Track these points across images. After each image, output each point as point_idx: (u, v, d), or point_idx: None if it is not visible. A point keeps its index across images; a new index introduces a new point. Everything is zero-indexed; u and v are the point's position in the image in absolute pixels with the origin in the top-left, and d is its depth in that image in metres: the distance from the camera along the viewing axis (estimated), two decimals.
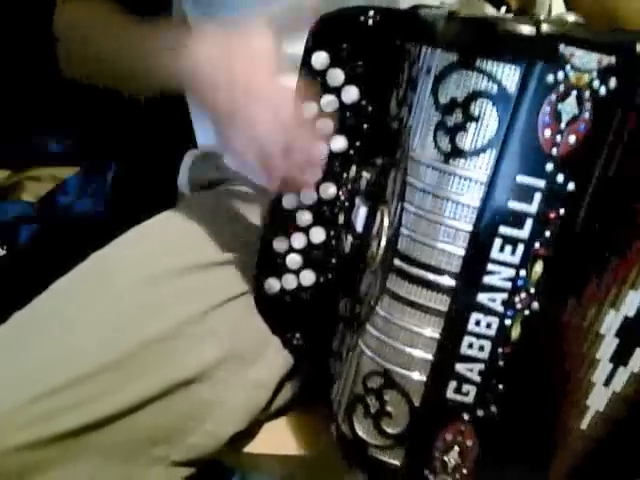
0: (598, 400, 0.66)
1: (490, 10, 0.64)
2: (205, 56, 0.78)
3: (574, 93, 0.58)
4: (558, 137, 0.59)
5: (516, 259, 0.61)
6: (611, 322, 0.63)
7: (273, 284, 0.84)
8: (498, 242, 0.61)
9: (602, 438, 0.67)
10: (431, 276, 0.63)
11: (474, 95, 0.59)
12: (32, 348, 0.75)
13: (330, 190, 0.81)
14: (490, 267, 0.62)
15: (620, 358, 0.64)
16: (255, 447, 0.87)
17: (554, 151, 0.59)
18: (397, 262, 0.65)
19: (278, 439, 0.88)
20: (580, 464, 0.68)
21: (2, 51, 1.58)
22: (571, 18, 0.62)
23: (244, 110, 0.74)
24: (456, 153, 0.60)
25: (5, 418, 0.69)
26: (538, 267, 0.62)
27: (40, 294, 0.81)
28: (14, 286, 1.28)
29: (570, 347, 0.65)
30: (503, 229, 0.61)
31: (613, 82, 0.58)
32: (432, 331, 0.64)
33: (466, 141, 0.60)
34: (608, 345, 0.64)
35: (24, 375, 0.73)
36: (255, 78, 0.74)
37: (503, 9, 0.69)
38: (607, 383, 0.65)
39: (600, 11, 0.88)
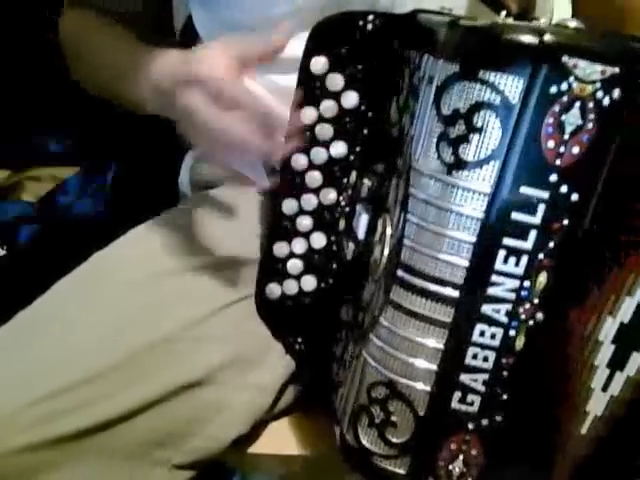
0: (597, 405, 0.66)
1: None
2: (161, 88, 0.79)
3: (578, 104, 0.57)
4: (562, 148, 0.58)
5: (520, 270, 0.61)
6: (608, 329, 0.64)
7: (274, 289, 0.84)
8: (502, 253, 0.61)
9: (601, 440, 0.67)
10: (435, 287, 0.63)
11: (477, 106, 0.59)
12: (33, 349, 0.75)
13: (330, 195, 0.81)
14: (494, 278, 0.62)
15: (617, 363, 0.65)
16: (256, 447, 0.87)
17: (558, 162, 0.59)
18: (400, 273, 0.65)
19: (279, 440, 0.88)
20: (581, 466, 0.68)
21: (2, 51, 1.57)
22: (572, 24, 0.61)
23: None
24: (459, 164, 0.60)
25: (6, 420, 0.69)
26: (542, 278, 0.61)
27: (40, 294, 0.81)
28: (14, 286, 1.27)
29: (571, 355, 0.65)
30: (507, 240, 0.60)
31: (617, 92, 0.57)
32: (436, 342, 0.64)
33: (469, 152, 0.59)
34: (605, 351, 0.64)
35: (25, 377, 0.73)
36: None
37: (503, 14, 0.68)
38: (605, 388, 0.66)
39: (610, 10, 0.87)
